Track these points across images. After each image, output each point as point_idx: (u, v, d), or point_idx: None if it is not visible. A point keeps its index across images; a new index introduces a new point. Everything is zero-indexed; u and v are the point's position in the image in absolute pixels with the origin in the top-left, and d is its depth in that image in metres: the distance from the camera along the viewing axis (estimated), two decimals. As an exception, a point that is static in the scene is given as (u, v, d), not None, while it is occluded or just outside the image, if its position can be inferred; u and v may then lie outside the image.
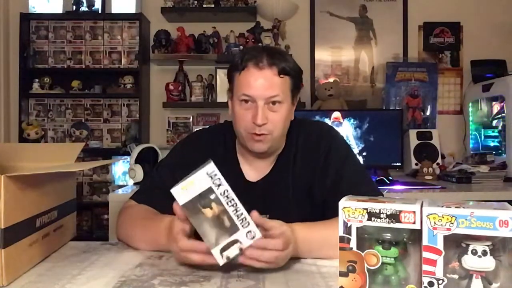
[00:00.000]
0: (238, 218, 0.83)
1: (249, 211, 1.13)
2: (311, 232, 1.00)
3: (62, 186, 1.08)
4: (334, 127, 1.30)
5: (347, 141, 1.33)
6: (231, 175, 1.12)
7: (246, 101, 1.10)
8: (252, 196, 1.11)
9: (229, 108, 1.20)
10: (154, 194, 1.18)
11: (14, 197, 0.83)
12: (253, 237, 0.83)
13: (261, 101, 1.08)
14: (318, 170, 1.17)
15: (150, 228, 1.05)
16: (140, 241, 1.07)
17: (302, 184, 1.18)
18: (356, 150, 2.58)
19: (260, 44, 2.94)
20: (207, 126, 1.37)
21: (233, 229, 0.83)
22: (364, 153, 2.62)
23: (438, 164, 2.75)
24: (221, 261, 0.83)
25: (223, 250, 0.83)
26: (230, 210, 0.83)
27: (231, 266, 0.93)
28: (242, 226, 0.83)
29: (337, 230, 0.70)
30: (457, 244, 0.62)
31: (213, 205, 0.83)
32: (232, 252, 0.83)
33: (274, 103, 1.09)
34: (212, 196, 0.83)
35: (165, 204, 1.13)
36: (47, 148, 1.55)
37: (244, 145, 1.16)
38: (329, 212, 1.05)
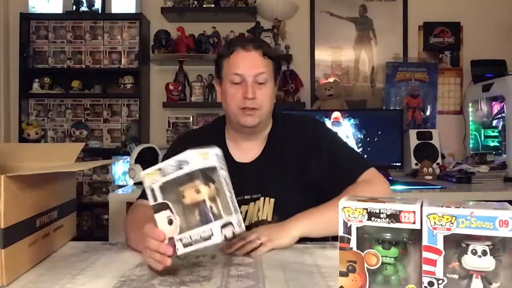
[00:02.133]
0: (233, 203, 0.83)
1: (243, 192, 1.21)
2: (314, 212, 1.12)
3: (62, 186, 1.08)
4: (334, 126, 1.36)
5: (346, 139, 1.41)
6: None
7: (236, 81, 1.21)
8: (245, 176, 1.21)
9: (218, 94, 1.31)
10: None
11: (14, 197, 0.83)
12: (240, 226, 0.82)
13: (250, 78, 1.20)
14: (310, 150, 1.25)
15: (138, 230, 1.04)
16: (131, 243, 1.09)
17: (294, 165, 1.25)
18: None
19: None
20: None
21: (227, 212, 0.80)
22: (364, 153, 2.62)
23: (438, 164, 2.75)
24: (219, 238, 0.80)
25: (223, 227, 0.80)
26: (228, 194, 0.82)
27: (232, 266, 0.93)
28: (235, 212, 0.82)
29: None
30: (457, 244, 0.62)
31: (211, 184, 0.80)
32: (228, 231, 0.80)
33: (260, 81, 1.21)
34: (214, 176, 0.81)
35: None
36: (47, 148, 1.56)
37: (236, 123, 1.24)
38: (331, 190, 1.17)
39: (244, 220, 1.22)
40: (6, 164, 1.05)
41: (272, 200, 1.23)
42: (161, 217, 0.82)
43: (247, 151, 1.29)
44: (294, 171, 1.25)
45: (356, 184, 1.19)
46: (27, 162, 1.08)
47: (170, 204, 0.81)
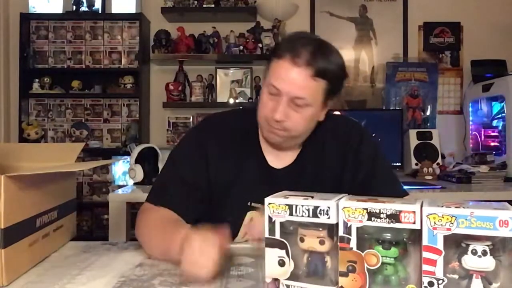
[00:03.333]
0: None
1: None
2: None
3: (62, 186, 1.08)
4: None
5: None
6: (253, 161, 1.15)
7: (272, 93, 1.04)
8: (277, 183, 1.11)
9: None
10: (170, 191, 1.11)
11: (14, 197, 0.83)
12: None
13: (286, 97, 1.02)
14: (349, 162, 1.15)
15: (165, 237, 0.96)
16: (153, 250, 1.00)
17: (330, 174, 1.14)
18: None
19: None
20: (221, 111, 1.29)
21: (337, 273, 0.70)
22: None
23: (438, 164, 2.74)
24: None
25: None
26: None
27: (232, 266, 0.93)
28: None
29: None
30: (457, 244, 0.62)
31: (334, 238, 0.70)
32: None
33: (298, 104, 1.02)
34: (336, 231, 0.71)
35: (183, 199, 1.08)
36: (47, 148, 1.55)
37: (261, 132, 1.14)
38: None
39: None
40: (6, 164, 1.05)
41: None
42: (272, 254, 0.74)
43: (281, 156, 1.16)
44: (330, 182, 1.12)
45: None
46: (27, 162, 1.08)
47: (289, 247, 0.73)
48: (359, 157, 1.15)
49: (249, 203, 1.13)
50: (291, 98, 1.02)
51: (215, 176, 1.13)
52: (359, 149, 1.15)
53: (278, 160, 1.16)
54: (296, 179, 1.14)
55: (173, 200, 1.09)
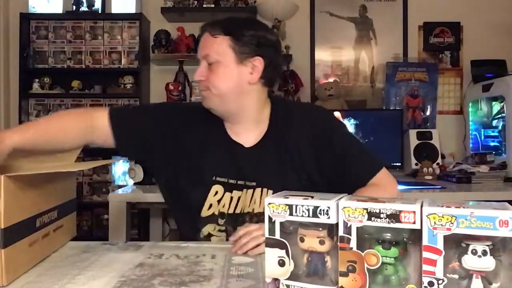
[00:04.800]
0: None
1: (237, 177, 1.17)
2: None
3: (62, 186, 1.08)
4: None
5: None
6: (220, 139, 1.21)
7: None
8: (239, 160, 1.18)
9: None
10: (122, 122, 1.20)
11: (14, 197, 0.83)
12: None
13: (203, 60, 1.17)
14: (320, 145, 1.18)
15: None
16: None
17: (298, 156, 1.18)
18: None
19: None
20: None
21: (337, 273, 0.69)
22: (364, 153, 2.62)
23: (438, 164, 2.74)
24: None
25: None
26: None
27: (232, 266, 0.93)
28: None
29: None
30: (457, 244, 0.62)
31: (334, 238, 0.69)
32: None
33: (209, 62, 1.15)
34: (336, 230, 0.70)
35: (125, 137, 1.19)
36: (47, 148, 1.55)
37: None
38: (338, 189, 1.06)
39: (236, 207, 1.18)
40: (6, 164, 1.05)
41: (270, 192, 1.15)
42: (272, 254, 0.74)
43: (241, 134, 1.21)
44: (298, 162, 1.17)
45: (365, 188, 1.15)
46: (27, 162, 1.08)
47: (289, 247, 0.73)
48: (332, 140, 1.19)
49: (213, 178, 1.18)
50: (204, 60, 1.16)
51: (173, 148, 1.20)
52: (331, 131, 1.20)
53: (243, 139, 1.21)
54: (261, 159, 1.19)
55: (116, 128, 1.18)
